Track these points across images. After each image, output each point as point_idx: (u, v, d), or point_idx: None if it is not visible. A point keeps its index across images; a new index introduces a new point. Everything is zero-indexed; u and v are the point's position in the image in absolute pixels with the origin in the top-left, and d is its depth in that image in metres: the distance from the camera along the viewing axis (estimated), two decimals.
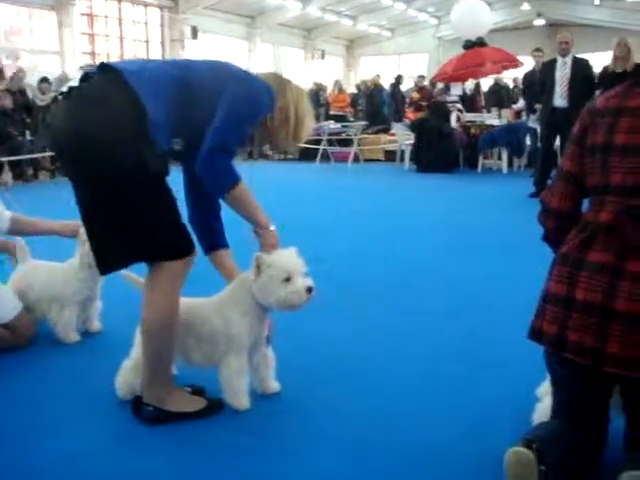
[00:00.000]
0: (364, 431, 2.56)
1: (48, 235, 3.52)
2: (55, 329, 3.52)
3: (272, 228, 2.65)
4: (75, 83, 2.46)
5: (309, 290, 2.57)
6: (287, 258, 2.60)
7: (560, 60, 9.46)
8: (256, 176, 10.07)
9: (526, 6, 30.62)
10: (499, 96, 14.12)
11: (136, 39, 27.47)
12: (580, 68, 9.21)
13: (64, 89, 2.48)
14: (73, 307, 3.50)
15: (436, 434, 2.53)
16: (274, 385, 2.87)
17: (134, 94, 2.36)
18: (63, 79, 12.23)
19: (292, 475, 2.28)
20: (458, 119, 12.74)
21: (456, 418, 2.65)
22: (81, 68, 21.22)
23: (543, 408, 2.39)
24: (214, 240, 2.87)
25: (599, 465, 2.09)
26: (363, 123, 14.92)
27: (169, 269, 2.51)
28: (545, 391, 2.42)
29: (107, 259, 2.55)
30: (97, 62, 19.08)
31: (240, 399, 2.70)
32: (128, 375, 2.76)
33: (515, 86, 15.12)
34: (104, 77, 2.43)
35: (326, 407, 2.76)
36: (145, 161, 2.36)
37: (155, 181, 2.44)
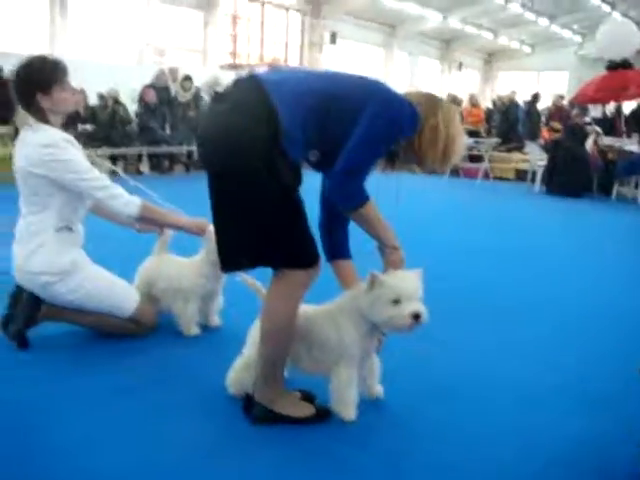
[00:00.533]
0: (464, 454, 2.53)
1: (175, 229, 3.64)
2: (178, 321, 3.67)
3: (398, 248, 2.65)
4: (226, 87, 2.59)
5: (415, 317, 2.53)
6: (401, 280, 2.58)
7: None
8: (382, 187, 10.09)
9: None
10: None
11: (276, 41, 28.13)
12: None
13: (216, 90, 2.60)
14: (196, 301, 3.64)
15: (557, 460, 2.48)
16: (379, 389, 2.92)
17: (271, 105, 2.42)
18: (213, 82, 12.71)
19: None
20: (595, 143, 12.28)
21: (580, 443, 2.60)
22: (221, 67, 21.91)
23: None
24: (336, 249, 2.89)
25: None
26: (495, 140, 14.64)
27: (291, 277, 2.56)
28: None
29: (230, 258, 2.62)
30: (237, 62, 19.70)
31: (348, 410, 2.73)
32: (240, 373, 2.84)
33: None
34: (249, 86, 2.52)
35: (431, 425, 2.76)
36: (277, 168, 2.43)
37: (284, 191, 2.50)
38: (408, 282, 2.58)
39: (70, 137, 3.34)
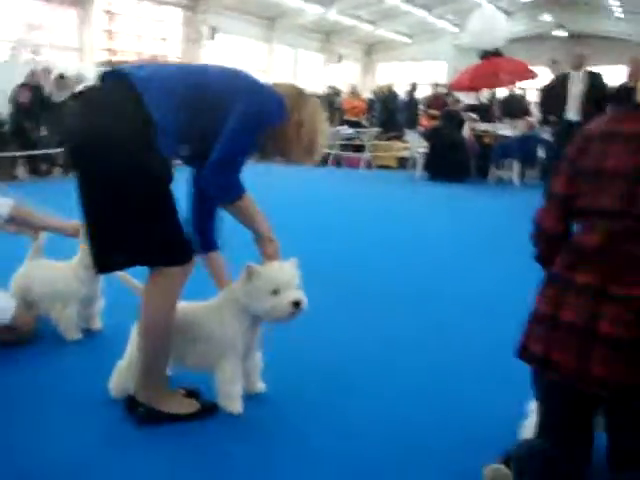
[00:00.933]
0: (350, 441, 2.60)
1: (50, 231, 3.56)
2: (58, 326, 3.58)
3: (274, 239, 2.70)
4: (89, 84, 2.54)
5: (296, 304, 2.59)
6: (278, 270, 2.63)
7: (574, 74, 9.49)
8: (264, 178, 10.11)
9: (546, 17, 30.54)
10: (513, 107, 14.06)
11: (155, 37, 27.61)
12: (594, 82, 9.25)
13: (79, 89, 2.54)
14: (74, 305, 3.56)
15: (420, 448, 2.56)
16: (261, 385, 2.95)
17: (140, 101, 2.40)
18: (80, 78, 12.32)
19: None
20: (471, 128, 12.72)
21: (443, 432, 2.69)
22: (98, 65, 21.31)
23: (530, 425, 2.41)
24: (206, 242, 2.90)
25: None
26: (376, 129, 14.92)
27: (167, 274, 2.56)
28: (533, 408, 2.44)
29: (103, 259, 2.59)
30: (115, 59, 19.17)
31: (234, 404, 2.75)
32: (122, 375, 2.81)
33: (523, 97, 15.09)
34: (113, 82, 2.50)
35: (316, 416, 2.81)
36: (147, 165, 2.42)
37: (156, 186, 2.49)
38: (285, 272, 2.63)
39: None
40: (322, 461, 2.46)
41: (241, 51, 27.27)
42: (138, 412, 2.66)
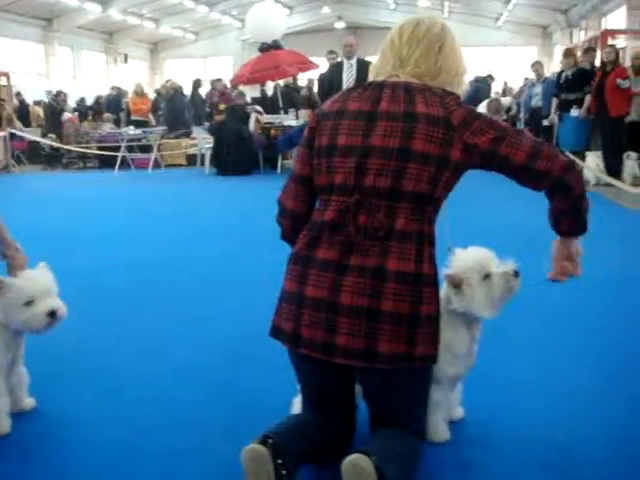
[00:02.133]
0: (119, 445, 2.50)
1: None
2: None
3: (20, 249, 2.58)
4: None
5: (51, 314, 2.48)
6: (30, 280, 2.50)
7: (346, 62, 9.86)
8: (48, 187, 9.66)
9: (326, 9, 31.55)
10: (295, 97, 14.39)
11: None
12: (364, 69, 9.64)
13: None
14: None
15: (194, 437, 2.52)
16: (30, 402, 2.76)
17: None
18: None
19: None
20: (257, 121, 12.85)
21: (217, 420, 2.66)
22: None
23: (298, 402, 2.45)
24: None
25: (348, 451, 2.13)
26: (163, 128, 14.71)
27: None
28: None
29: None
30: None
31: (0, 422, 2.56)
32: None
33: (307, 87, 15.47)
34: None
35: (83, 422, 2.69)
36: None
37: None
38: (39, 281, 2.51)
39: None
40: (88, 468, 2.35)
41: (17, 54, 25.85)
42: None
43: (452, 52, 2.25)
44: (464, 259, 2.29)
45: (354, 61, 9.87)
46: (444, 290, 2.27)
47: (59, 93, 17.23)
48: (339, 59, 10.65)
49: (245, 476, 1.99)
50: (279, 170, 12.38)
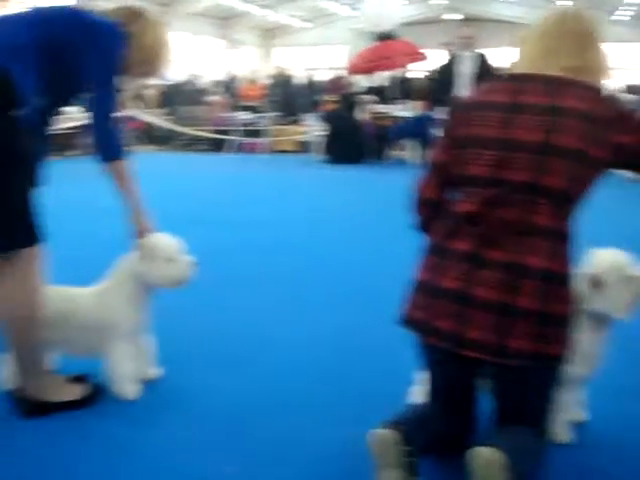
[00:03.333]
0: (241, 423, 2.58)
1: None
2: None
3: (146, 215, 2.69)
4: None
5: (192, 264, 2.68)
6: (167, 240, 2.69)
7: (463, 55, 9.72)
8: (161, 167, 9.94)
9: (435, 0, 31.15)
10: (408, 88, 14.26)
11: None
12: (481, 62, 9.50)
13: None
14: None
15: (310, 421, 2.58)
16: (156, 371, 2.89)
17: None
18: None
19: (165, 467, 2.29)
20: (368, 111, 12.84)
21: (333, 405, 2.71)
22: None
23: (418, 392, 2.46)
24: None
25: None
26: (275, 114, 14.87)
27: (21, 257, 2.44)
28: (421, 376, 2.48)
29: None
30: None
31: (126, 387, 2.70)
32: (10, 367, 2.69)
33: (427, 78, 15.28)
34: None
35: (206, 396, 2.78)
36: (7, 138, 2.33)
37: (15, 162, 2.39)
38: (172, 239, 2.71)
39: None
40: (210, 443, 2.43)
41: None
42: (23, 404, 2.58)
43: (600, 47, 2.20)
44: (604, 260, 2.24)
45: (471, 53, 9.71)
46: (578, 289, 2.22)
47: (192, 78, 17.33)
48: (455, 52, 10.50)
49: (374, 458, 2.02)
50: (388, 161, 12.34)
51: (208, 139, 14.44)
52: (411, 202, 2.39)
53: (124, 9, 2.74)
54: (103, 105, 2.54)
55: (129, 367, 2.72)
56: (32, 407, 2.58)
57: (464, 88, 9.45)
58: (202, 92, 16.42)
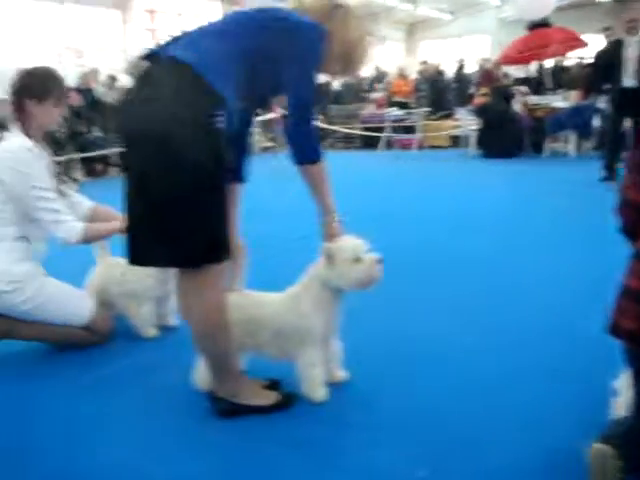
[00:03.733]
0: (430, 426, 2.56)
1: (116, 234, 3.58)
2: (133, 324, 3.64)
3: (337, 218, 2.69)
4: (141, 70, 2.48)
5: (379, 262, 2.64)
6: (352, 240, 2.67)
7: (628, 39, 9.25)
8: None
9: None
10: (564, 77, 13.78)
11: None
12: None
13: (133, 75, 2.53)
14: (149, 303, 3.61)
15: (500, 426, 2.52)
16: (342, 374, 2.92)
17: (202, 80, 2.33)
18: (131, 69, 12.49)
19: (358, 469, 2.30)
20: (523, 102, 12.50)
21: (525, 412, 2.63)
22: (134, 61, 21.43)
23: (621, 402, 2.36)
24: (238, 175, 2.84)
25: None
26: (426, 109, 14.76)
27: (208, 272, 2.47)
28: (623, 385, 2.38)
29: (143, 253, 2.50)
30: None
31: (316, 390, 2.74)
32: (203, 369, 2.81)
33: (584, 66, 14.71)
34: (171, 67, 2.38)
35: (397, 400, 2.78)
36: (206, 156, 2.34)
37: (217, 176, 2.41)
38: (356, 240, 2.68)
39: (31, 146, 3.28)
40: (399, 446, 2.43)
41: None
42: (218, 406, 2.67)
43: None
44: None
45: (638, 37, 9.21)
46: None
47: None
48: (618, 37, 10.00)
49: (590, 474, 1.95)
50: (546, 154, 11.95)
51: (361, 136, 14.54)
52: (616, 205, 2.27)
53: (323, 2, 2.69)
54: (301, 107, 2.53)
55: (319, 371, 2.75)
56: (226, 408, 2.66)
57: (630, 76, 9.01)
58: (355, 89, 16.56)
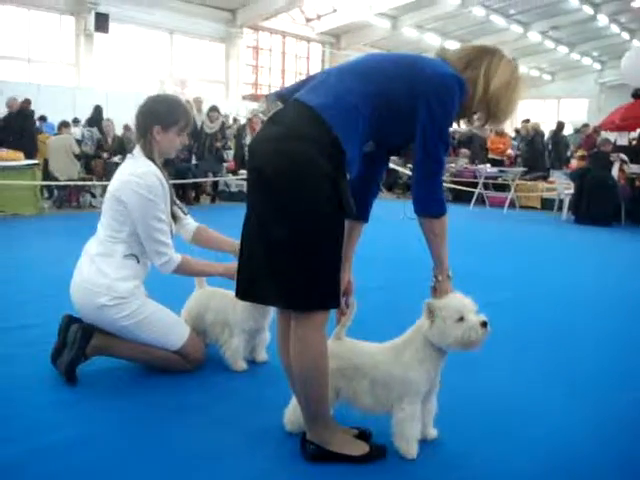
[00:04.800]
0: None
1: (226, 252, 3.64)
2: (224, 355, 3.63)
3: (449, 274, 2.64)
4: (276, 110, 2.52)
5: (484, 324, 2.54)
6: (457, 299, 2.59)
7: None
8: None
9: None
10: None
11: (298, 72, 28.33)
12: None
13: (266, 115, 2.55)
14: (242, 335, 3.60)
15: None
16: (433, 431, 2.84)
17: (330, 130, 2.37)
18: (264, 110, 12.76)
19: None
20: (621, 170, 12.19)
21: None
22: (243, 98, 22.07)
23: None
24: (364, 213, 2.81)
25: None
26: (521, 169, 14.57)
27: (317, 317, 2.48)
28: None
29: (247, 287, 2.56)
30: (259, 92, 19.97)
31: (410, 447, 2.67)
32: (296, 410, 2.76)
33: None
34: (300, 111, 2.44)
35: (488, 465, 2.68)
36: (335, 199, 2.38)
37: (339, 222, 2.45)
38: (464, 299, 2.60)
39: (159, 172, 3.39)
40: None
41: None
42: (308, 449, 2.63)
43: None
44: None
45: None
46: None
47: None
48: None
49: None
50: None
51: (450, 189, 14.46)
52: None
53: (473, 48, 2.65)
54: (430, 162, 2.49)
55: (417, 426, 2.68)
56: (316, 453, 2.61)
57: None
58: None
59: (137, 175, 3.31)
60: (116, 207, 3.35)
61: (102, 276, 3.33)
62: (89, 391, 3.28)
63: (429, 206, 2.54)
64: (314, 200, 2.36)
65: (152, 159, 3.40)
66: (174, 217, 3.53)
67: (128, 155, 3.50)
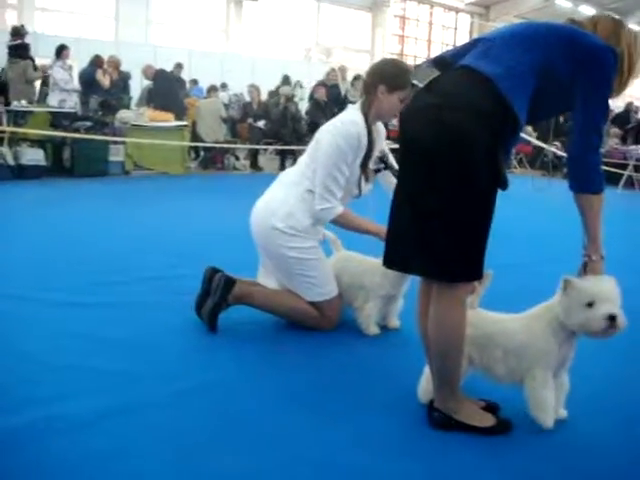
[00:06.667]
0: None
1: (367, 234, 3.65)
2: (358, 319, 3.69)
3: (603, 257, 2.53)
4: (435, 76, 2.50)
5: (611, 318, 2.40)
6: (595, 283, 2.47)
7: None
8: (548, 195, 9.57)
9: None
10: None
11: (444, 43, 27.87)
12: None
13: (422, 83, 2.54)
14: (376, 300, 3.64)
15: None
16: (563, 412, 2.75)
17: (505, 103, 2.33)
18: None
19: None
20: None
21: None
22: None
23: None
24: None
25: None
26: None
27: (457, 288, 2.47)
28: None
29: (400, 258, 2.56)
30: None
31: (545, 416, 2.61)
32: (429, 380, 2.76)
33: None
34: (471, 79, 2.40)
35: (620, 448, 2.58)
36: (493, 168, 2.35)
37: (494, 194, 2.42)
38: (603, 285, 2.47)
39: (362, 125, 3.50)
40: None
41: None
42: (433, 416, 2.64)
43: None
44: None
45: None
46: None
47: None
48: None
49: None
50: None
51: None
52: None
53: (611, 23, 2.57)
54: (591, 131, 2.42)
55: (551, 394, 2.62)
56: (442, 421, 2.61)
57: None
58: None
59: (341, 121, 3.50)
60: (314, 144, 3.56)
61: (285, 202, 3.53)
62: (228, 339, 3.45)
63: (589, 183, 2.46)
64: (473, 175, 2.34)
65: (366, 116, 3.51)
66: (366, 179, 3.67)
67: (349, 105, 3.72)
